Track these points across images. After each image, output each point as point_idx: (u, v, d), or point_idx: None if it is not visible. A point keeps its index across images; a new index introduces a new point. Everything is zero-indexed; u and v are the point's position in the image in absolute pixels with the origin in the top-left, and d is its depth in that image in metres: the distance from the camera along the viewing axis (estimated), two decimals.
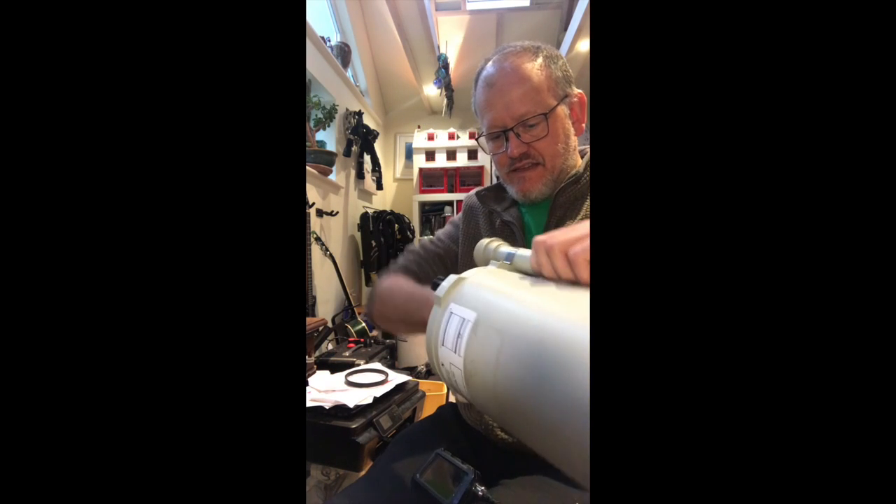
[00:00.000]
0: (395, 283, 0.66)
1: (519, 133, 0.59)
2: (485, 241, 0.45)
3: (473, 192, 0.75)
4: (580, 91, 0.63)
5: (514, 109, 0.58)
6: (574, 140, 0.63)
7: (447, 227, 0.76)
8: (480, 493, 0.41)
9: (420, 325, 0.51)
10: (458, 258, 0.70)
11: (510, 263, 0.41)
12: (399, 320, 0.61)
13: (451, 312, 0.37)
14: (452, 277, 0.40)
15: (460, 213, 0.75)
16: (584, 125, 0.64)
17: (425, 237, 0.76)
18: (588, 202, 0.60)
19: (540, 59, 0.59)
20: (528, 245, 0.60)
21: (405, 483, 0.50)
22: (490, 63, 0.62)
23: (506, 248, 0.43)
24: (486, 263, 0.44)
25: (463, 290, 0.38)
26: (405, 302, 0.57)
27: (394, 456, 0.59)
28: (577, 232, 0.33)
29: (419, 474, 0.45)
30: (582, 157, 0.66)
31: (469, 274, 0.40)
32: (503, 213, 0.66)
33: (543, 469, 0.52)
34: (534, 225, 0.64)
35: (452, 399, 0.75)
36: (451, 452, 0.46)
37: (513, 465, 0.54)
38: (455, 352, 0.35)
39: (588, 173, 0.61)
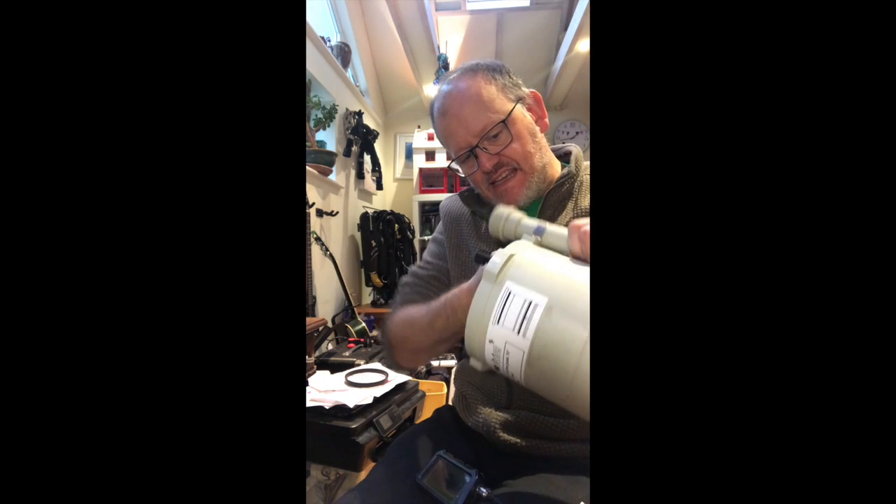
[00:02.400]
0: (407, 314, 0.62)
1: (485, 147, 0.60)
2: (504, 210, 0.45)
3: (450, 196, 0.74)
4: (531, 90, 0.65)
5: (473, 127, 0.59)
6: (541, 137, 0.64)
7: (430, 246, 0.75)
8: (484, 494, 0.41)
9: (456, 334, 0.52)
10: (450, 272, 0.69)
11: (542, 238, 0.41)
12: (434, 342, 0.57)
13: (511, 292, 0.36)
14: (503, 252, 0.39)
15: (439, 227, 0.74)
16: (546, 120, 0.65)
17: (413, 266, 0.74)
18: (573, 201, 0.61)
19: (480, 75, 0.61)
20: None
21: (406, 486, 0.50)
22: (438, 97, 0.64)
23: (529, 221, 0.43)
24: (510, 235, 0.45)
25: (520, 268, 0.37)
26: (431, 321, 0.54)
27: (393, 460, 0.59)
28: None
29: (421, 477, 0.44)
30: (558, 156, 0.68)
31: (518, 251, 0.39)
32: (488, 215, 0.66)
33: (546, 470, 0.52)
34: None
35: (451, 402, 0.74)
36: (452, 454, 0.45)
37: (515, 466, 0.54)
38: (519, 333, 0.35)
39: (577, 174, 0.63)
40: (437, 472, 0.45)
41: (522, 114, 0.62)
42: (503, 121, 0.58)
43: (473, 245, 0.66)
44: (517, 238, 0.44)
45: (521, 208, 0.63)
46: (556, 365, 0.34)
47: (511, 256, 0.38)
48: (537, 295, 0.35)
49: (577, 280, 0.35)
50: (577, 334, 0.33)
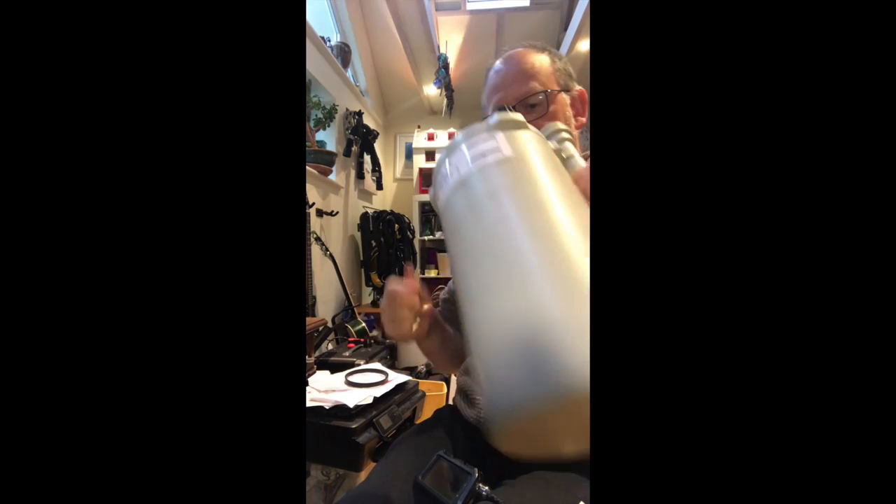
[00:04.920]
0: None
1: (521, 112, 0.62)
2: (555, 122, 0.47)
3: None
4: (581, 88, 0.67)
5: (517, 89, 0.63)
6: (574, 131, 0.65)
7: None
8: (484, 493, 0.41)
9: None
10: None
11: (557, 146, 0.42)
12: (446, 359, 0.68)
13: (497, 135, 0.38)
14: (515, 116, 0.40)
15: None
16: (583, 120, 0.67)
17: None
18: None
19: (545, 53, 0.66)
20: None
21: (407, 487, 0.50)
22: (498, 57, 0.68)
23: (567, 144, 0.44)
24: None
25: (518, 134, 0.38)
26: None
27: (393, 460, 0.59)
28: None
29: (421, 476, 0.44)
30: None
31: (531, 132, 0.40)
32: None
33: (545, 468, 0.52)
34: None
35: (451, 400, 0.74)
36: (452, 455, 0.45)
37: (514, 466, 0.54)
38: (470, 162, 0.37)
39: None
40: (438, 471, 0.45)
41: (564, 101, 0.64)
42: (544, 92, 0.62)
43: None
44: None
45: None
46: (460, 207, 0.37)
47: (523, 125, 0.39)
48: (508, 148, 0.36)
49: (546, 190, 0.34)
50: (493, 207, 0.33)
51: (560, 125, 0.46)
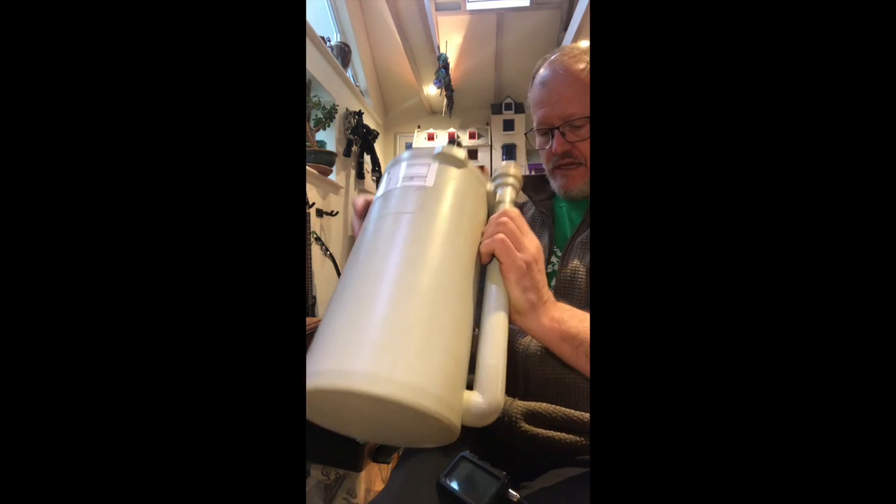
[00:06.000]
0: None
1: (564, 132, 0.61)
2: (510, 166, 0.49)
3: None
4: None
5: (562, 109, 0.61)
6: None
7: None
8: (515, 498, 0.39)
9: None
10: None
11: (494, 186, 0.47)
12: None
13: (431, 164, 0.42)
14: (457, 153, 0.43)
15: None
16: None
17: None
18: None
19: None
20: (557, 240, 0.62)
21: (429, 493, 0.49)
22: (546, 63, 0.65)
23: (507, 189, 0.46)
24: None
25: (451, 170, 0.42)
26: None
27: (413, 463, 0.58)
28: (528, 245, 0.39)
29: (444, 477, 0.43)
30: None
31: (467, 171, 0.43)
32: (539, 203, 0.68)
33: (559, 465, 0.51)
34: (568, 222, 0.66)
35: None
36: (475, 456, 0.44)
37: (528, 466, 0.53)
38: (399, 180, 0.42)
39: None
40: (461, 473, 0.43)
41: None
42: (588, 118, 0.60)
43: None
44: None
45: (574, 198, 0.66)
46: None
47: (465, 167, 0.43)
48: (430, 180, 0.40)
49: (437, 230, 0.38)
50: (391, 222, 0.38)
51: (512, 171, 0.48)
